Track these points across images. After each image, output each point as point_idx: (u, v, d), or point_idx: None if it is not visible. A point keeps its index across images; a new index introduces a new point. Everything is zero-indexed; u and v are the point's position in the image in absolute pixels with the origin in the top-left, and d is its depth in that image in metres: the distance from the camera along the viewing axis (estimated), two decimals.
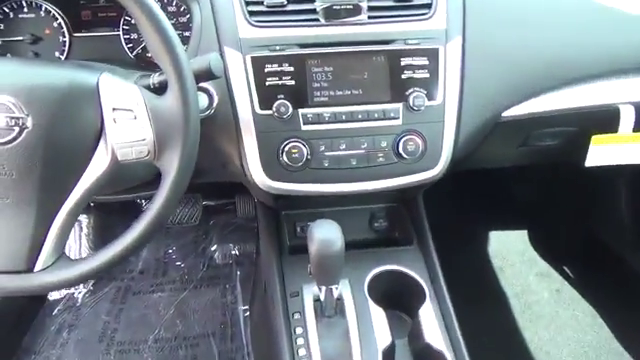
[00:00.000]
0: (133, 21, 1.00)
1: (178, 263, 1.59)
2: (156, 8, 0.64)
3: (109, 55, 1.01)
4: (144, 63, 1.02)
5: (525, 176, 1.68)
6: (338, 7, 0.89)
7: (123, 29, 1.00)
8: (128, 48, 1.01)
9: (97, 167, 0.66)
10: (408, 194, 1.07)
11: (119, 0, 0.64)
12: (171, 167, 0.67)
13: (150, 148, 0.66)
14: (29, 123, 0.62)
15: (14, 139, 0.62)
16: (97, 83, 0.66)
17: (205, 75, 0.73)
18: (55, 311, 1.47)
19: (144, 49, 1.01)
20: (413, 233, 1.07)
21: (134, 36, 1.01)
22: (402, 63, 0.89)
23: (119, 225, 1.61)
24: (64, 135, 0.64)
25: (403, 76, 0.89)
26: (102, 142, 0.66)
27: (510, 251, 1.71)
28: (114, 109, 0.66)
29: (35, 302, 1.49)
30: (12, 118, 0.61)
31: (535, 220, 1.76)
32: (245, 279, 1.55)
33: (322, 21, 0.89)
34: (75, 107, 0.64)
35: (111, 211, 1.59)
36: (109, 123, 0.65)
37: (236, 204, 1.61)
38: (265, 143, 0.88)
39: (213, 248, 1.62)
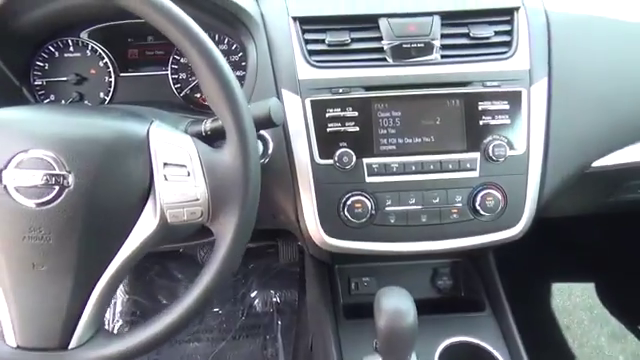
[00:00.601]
0: (182, 60, 0.94)
1: (216, 309, 1.49)
2: (216, 51, 0.57)
3: (155, 96, 0.95)
4: (192, 104, 0.95)
5: (594, 223, 1.53)
6: (408, 46, 0.80)
7: (172, 69, 0.94)
8: (176, 89, 0.95)
9: (143, 230, 0.58)
10: (478, 250, 0.96)
11: (175, 41, 0.57)
12: (226, 232, 0.58)
13: (204, 209, 0.58)
14: (70, 181, 0.55)
15: (53, 199, 0.55)
16: (147, 134, 0.59)
17: (264, 123, 0.65)
18: None
19: (192, 90, 0.95)
20: (484, 295, 0.95)
21: (182, 76, 0.95)
22: (480, 108, 0.79)
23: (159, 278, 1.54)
24: (109, 195, 0.56)
25: (481, 122, 0.79)
26: (150, 202, 0.58)
27: (577, 307, 1.55)
28: (165, 164, 0.58)
29: None
30: (52, 176, 0.54)
31: (604, 273, 1.60)
32: (286, 330, 1.44)
33: (390, 61, 0.81)
34: (122, 162, 0.57)
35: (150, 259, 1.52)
36: (159, 180, 0.57)
37: (278, 248, 1.52)
38: (324, 196, 0.78)
39: (253, 295, 1.52)
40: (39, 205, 0.54)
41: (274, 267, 1.58)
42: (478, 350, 0.85)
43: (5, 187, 0.54)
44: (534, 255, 1.44)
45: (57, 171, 0.54)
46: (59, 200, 0.54)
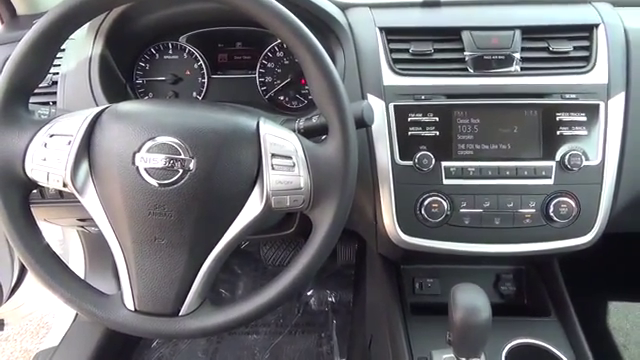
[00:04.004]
0: (269, 65, 1.01)
1: None
2: (325, 53, 0.63)
3: (242, 97, 1.02)
4: (276, 106, 1.02)
5: None
6: (489, 57, 0.85)
7: (259, 72, 1.01)
8: (262, 91, 1.02)
9: (249, 213, 0.64)
10: (546, 257, 0.98)
11: (287, 41, 0.63)
12: (325, 219, 0.64)
13: (305, 197, 0.64)
14: (192, 166, 0.61)
15: (177, 181, 0.61)
16: (257, 128, 0.65)
17: (357, 122, 0.70)
18: (154, 343, 1.47)
19: (277, 92, 1.01)
20: (549, 302, 0.97)
21: (268, 79, 1.02)
22: (557, 118, 0.83)
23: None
24: (223, 179, 0.63)
25: (558, 132, 0.82)
26: (257, 188, 0.64)
27: (635, 326, 1.52)
28: (273, 155, 0.64)
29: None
30: (177, 160, 0.61)
31: None
32: (341, 329, 1.48)
33: (471, 71, 0.85)
34: (236, 151, 0.63)
35: None
36: (267, 169, 0.63)
37: (337, 249, 1.57)
38: (403, 195, 0.83)
39: (309, 293, 1.57)
40: (165, 185, 0.61)
41: (330, 268, 1.63)
42: (544, 353, 0.87)
43: (137, 168, 0.61)
44: (595, 269, 1.43)
45: (182, 156, 0.61)
46: (182, 182, 0.61)
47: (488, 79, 0.84)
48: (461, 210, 0.83)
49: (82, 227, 1.17)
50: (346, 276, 1.60)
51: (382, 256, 1.05)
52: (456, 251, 0.84)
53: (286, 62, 1.01)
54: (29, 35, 0.63)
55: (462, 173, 0.82)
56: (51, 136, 0.64)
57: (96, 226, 0.66)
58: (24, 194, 0.66)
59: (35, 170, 0.64)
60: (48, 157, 0.63)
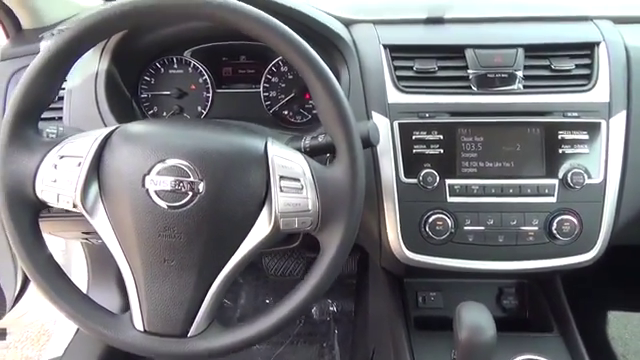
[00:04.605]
0: (273, 80, 1.02)
1: None
2: (333, 78, 0.64)
3: (247, 111, 1.03)
4: (280, 120, 1.02)
5: None
6: (492, 75, 0.86)
7: (263, 87, 1.02)
8: (266, 105, 1.02)
9: (258, 234, 0.65)
10: (548, 273, 0.99)
11: (295, 64, 0.64)
12: (333, 241, 0.64)
13: (313, 219, 0.64)
14: (202, 188, 0.62)
15: (187, 203, 0.62)
16: (265, 149, 0.66)
17: (362, 143, 0.70)
18: None
19: (281, 107, 1.02)
20: (551, 317, 0.97)
21: (273, 94, 1.02)
22: (559, 137, 0.84)
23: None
24: (232, 201, 0.63)
25: (560, 150, 0.83)
26: (265, 209, 0.65)
27: (634, 336, 1.54)
28: (281, 177, 0.64)
29: None
30: (187, 182, 0.62)
31: None
32: (343, 339, 1.49)
33: (474, 89, 0.86)
34: (245, 173, 0.64)
35: None
36: (275, 191, 0.64)
37: None
38: (407, 213, 0.84)
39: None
40: (174, 208, 0.62)
41: None
42: None
43: (147, 191, 0.62)
44: (595, 281, 1.44)
45: (191, 178, 0.62)
46: (191, 204, 0.62)
47: (491, 97, 0.85)
48: (465, 227, 0.83)
49: (86, 239, 1.17)
50: (347, 285, 1.61)
51: (385, 269, 1.06)
52: (460, 268, 0.85)
53: (290, 77, 1.01)
54: (39, 59, 0.64)
55: (466, 191, 0.83)
56: (61, 157, 0.65)
57: (100, 239, 0.67)
58: (34, 214, 0.67)
59: (45, 191, 0.65)
60: (58, 179, 0.64)
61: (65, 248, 1.42)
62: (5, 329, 1.33)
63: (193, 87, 1.03)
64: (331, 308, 1.58)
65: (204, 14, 0.62)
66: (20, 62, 0.99)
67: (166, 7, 0.62)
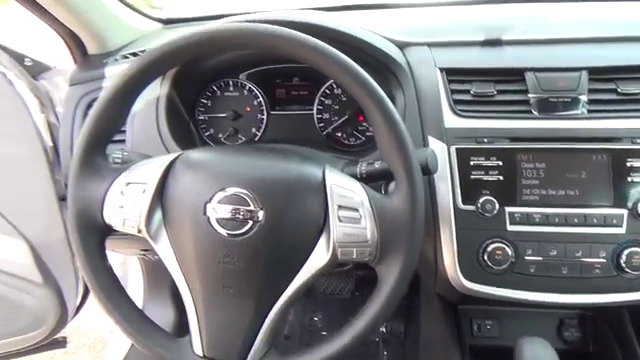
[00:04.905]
0: (327, 102, 1.02)
1: (324, 333, 1.55)
2: (393, 108, 0.63)
3: (300, 133, 1.03)
4: (333, 142, 1.03)
5: None
6: (555, 100, 0.83)
7: (317, 109, 1.03)
8: (319, 127, 1.03)
9: (315, 263, 0.65)
10: (612, 308, 0.94)
11: (353, 91, 0.64)
12: (391, 273, 0.63)
13: (372, 250, 0.64)
14: (261, 217, 0.63)
15: (247, 232, 0.63)
16: (323, 178, 0.66)
17: (421, 171, 0.69)
18: None
19: (335, 129, 1.02)
20: (618, 352, 0.92)
21: (326, 116, 1.03)
22: (628, 164, 0.79)
23: None
24: (290, 230, 0.64)
25: (629, 179, 0.79)
26: (323, 238, 0.65)
27: None
28: (340, 207, 0.64)
29: None
30: (247, 211, 0.63)
31: None
32: None
33: (535, 113, 0.83)
34: (303, 202, 0.64)
35: None
36: (334, 221, 0.64)
37: None
38: (465, 240, 0.82)
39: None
40: (234, 236, 0.63)
41: None
42: None
43: (208, 219, 0.63)
44: None
45: (251, 207, 0.63)
46: (251, 233, 0.63)
47: (553, 122, 0.82)
48: (526, 258, 0.80)
49: (143, 255, 1.21)
50: (398, 306, 1.57)
51: (439, 294, 1.03)
52: (521, 300, 0.82)
53: (344, 99, 1.02)
54: (108, 90, 0.67)
55: (527, 219, 0.80)
56: (127, 184, 0.67)
57: (156, 255, 0.68)
58: (101, 238, 0.70)
59: (112, 216, 0.67)
60: (125, 204, 0.67)
61: (123, 261, 1.47)
62: (66, 337, 1.38)
63: (248, 109, 1.05)
64: (380, 329, 1.55)
65: (261, 44, 0.63)
66: (86, 87, 1.04)
67: (225, 37, 0.64)
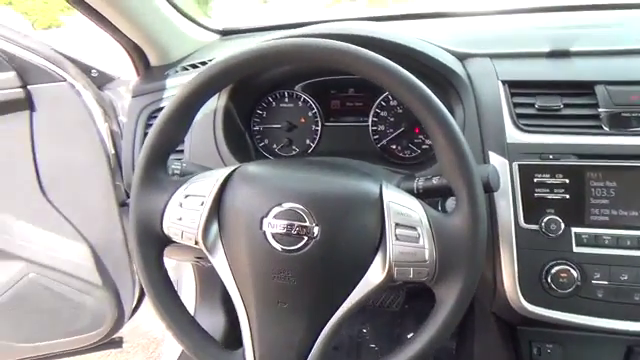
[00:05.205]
0: (382, 114, 1.01)
1: (372, 346, 1.53)
2: (454, 123, 0.61)
3: (354, 144, 1.03)
4: (388, 154, 1.01)
5: None
6: (627, 115, 0.78)
7: (372, 120, 1.01)
8: (374, 139, 1.02)
9: (371, 281, 0.63)
10: None
11: (413, 107, 0.62)
12: (450, 295, 0.61)
13: (430, 270, 0.62)
14: (317, 232, 0.62)
15: (302, 248, 0.62)
16: (380, 194, 0.65)
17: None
18: None
19: (390, 141, 1.01)
20: None
21: (381, 128, 1.01)
22: None
23: None
24: (346, 246, 0.63)
25: None
26: (379, 256, 0.63)
27: None
28: (397, 225, 0.63)
29: None
30: (303, 227, 0.62)
31: None
32: None
33: (606, 129, 0.79)
34: (359, 218, 0.63)
35: None
36: (390, 239, 0.62)
37: None
38: (527, 261, 0.78)
39: (409, 336, 1.52)
40: (289, 252, 0.63)
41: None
42: None
43: (264, 233, 0.64)
44: None
45: (307, 223, 0.62)
46: (306, 249, 0.62)
47: (626, 138, 0.78)
48: (594, 282, 0.76)
49: (197, 262, 1.24)
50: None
51: (495, 313, 0.99)
52: (586, 326, 0.77)
53: (400, 111, 1.00)
54: (170, 104, 0.68)
55: (596, 241, 0.76)
56: (186, 197, 0.68)
57: (209, 263, 0.69)
58: (160, 249, 0.71)
59: (171, 228, 0.68)
60: (183, 217, 0.68)
61: (176, 265, 1.51)
62: (122, 337, 1.43)
63: (303, 120, 1.05)
64: None
65: (320, 59, 0.63)
66: (148, 98, 1.07)
67: (286, 52, 0.64)
